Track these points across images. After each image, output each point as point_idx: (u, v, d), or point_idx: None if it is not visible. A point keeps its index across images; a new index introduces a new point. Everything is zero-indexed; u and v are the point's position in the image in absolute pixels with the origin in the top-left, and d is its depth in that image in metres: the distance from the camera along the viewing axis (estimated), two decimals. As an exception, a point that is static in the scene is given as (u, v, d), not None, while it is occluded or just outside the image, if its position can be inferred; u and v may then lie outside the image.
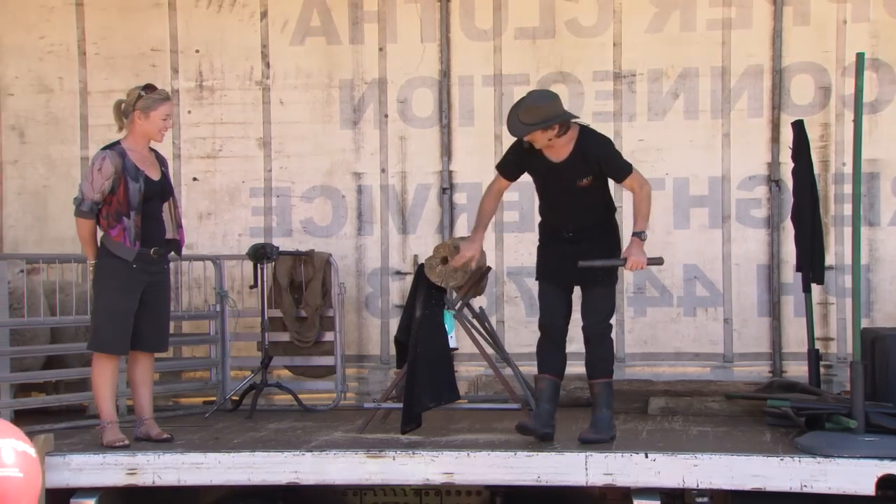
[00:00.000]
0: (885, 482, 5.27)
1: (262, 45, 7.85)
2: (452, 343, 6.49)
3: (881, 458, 5.30)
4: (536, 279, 5.98)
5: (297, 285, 7.57)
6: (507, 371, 6.67)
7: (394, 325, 7.26)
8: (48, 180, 8.00)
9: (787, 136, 7.19)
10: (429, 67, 7.74)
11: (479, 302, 7.07)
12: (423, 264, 6.41)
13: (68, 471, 5.63)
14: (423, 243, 7.60)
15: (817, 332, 7.09)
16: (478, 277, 6.47)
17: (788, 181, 7.18)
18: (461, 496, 6.75)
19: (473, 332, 6.49)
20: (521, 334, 7.51)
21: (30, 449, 2.45)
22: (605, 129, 7.21)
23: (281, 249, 7.37)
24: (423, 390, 6.11)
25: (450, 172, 7.73)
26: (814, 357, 6.87)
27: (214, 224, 7.91)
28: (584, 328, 5.83)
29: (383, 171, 7.80)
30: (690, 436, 6.11)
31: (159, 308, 6.00)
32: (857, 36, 7.33)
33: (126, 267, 5.80)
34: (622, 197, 6.77)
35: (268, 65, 7.86)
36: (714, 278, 7.52)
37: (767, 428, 6.25)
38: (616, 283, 5.90)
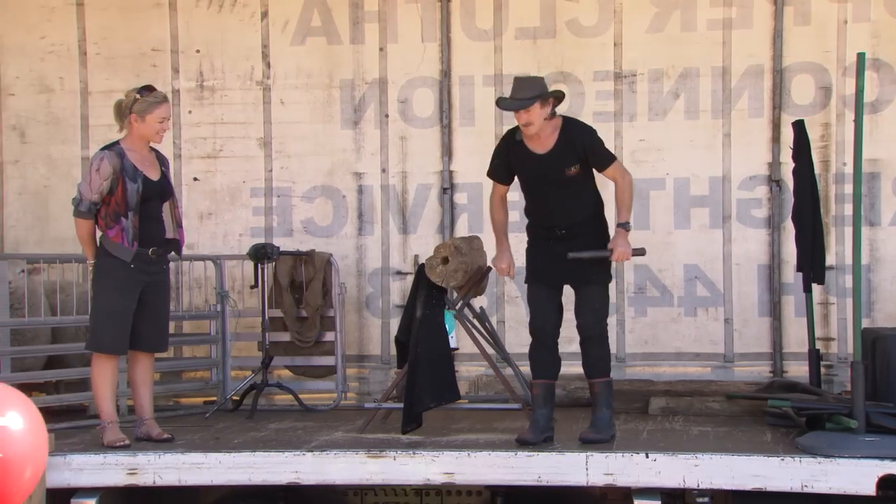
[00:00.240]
0: (886, 482, 5.27)
1: (262, 45, 7.86)
2: (453, 343, 6.49)
3: (882, 458, 5.30)
4: (526, 282, 5.95)
5: (297, 285, 7.57)
6: (508, 371, 6.68)
7: (394, 325, 7.26)
8: (49, 180, 8.01)
9: (787, 136, 7.19)
10: (429, 67, 7.74)
11: (479, 302, 7.07)
12: (423, 264, 6.41)
13: (69, 471, 5.63)
14: (424, 243, 7.60)
15: (818, 332, 7.09)
16: (478, 278, 6.47)
17: (789, 181, 7.18)
18: (462, 496, 6.75)
19: (474, 332, 6.49)
20: (522, 334, 7.48)
21: (11, 421, 2.43)
22: (605, 129, 7.23)
23: (281, 249, 7.38)
24: (423, 390, 6.12)
25: (450, 172, 7.73)
26: (814, 357, 6.87)
27: (215, 224, 7.92)
28: (581, 328, 5.81)
29: (384, 171, 7.80)
30: (691, 436, 6.12)
31: (159, 308, 6.00)
32: (857, 36, 7.33)
33: (124, 267, 5.80)
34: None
35: (268, 65, 7.87)
36: (715, 278, 7.52)
37: (768, 428, 6.25)
38: (610, 280, 5.88)
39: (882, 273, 7.38)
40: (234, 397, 7.26)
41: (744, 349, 7.49)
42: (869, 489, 5.25)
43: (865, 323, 6.83)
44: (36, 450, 2.47)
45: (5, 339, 6.50)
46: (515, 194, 6.70)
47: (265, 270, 7.29)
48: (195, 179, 7.94)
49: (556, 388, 5.98)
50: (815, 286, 6.97)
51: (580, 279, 5.77)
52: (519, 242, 5.98)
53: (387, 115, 7.78)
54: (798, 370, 7.20)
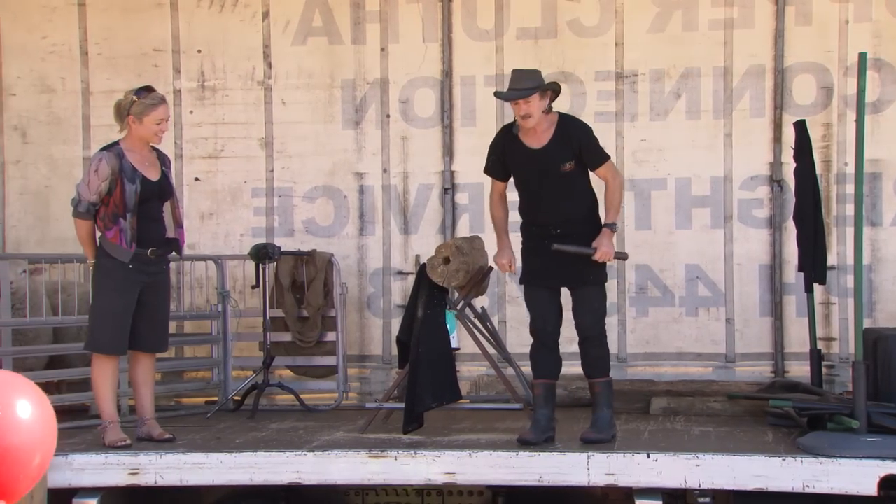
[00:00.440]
0: (888, 482, 5.27)
1: (263, 45, 7.86)
2: (454, 343, 6.49)
3: (883, 458, 5.29)
4: (521, 283, 5.94)
5: (298, 285, 7.57)
6: (509, 371, 6.68)
7: (395, 325, 7.26)
8: (50, 180, 8.01)
9: (789, 136, 7.19)
10: (431, 67, 7.74)
11: (480, 302, 7.07)
12: (424, 264, 6.41)
13: (70, 471, 5.63)
14: (425, 243, 7.60)
15: (819, 333, 7.08)
16: (479, 278, 6.47)
17: (790, 181, 7.18)
18: (463, 496, 6.75)
19: (475, 332, 6.49)
20: (523, 334, 7.47)
21: (21, 409, 2.44)
22: (607, 129, 7.24)
23: (283, 249, 7.38)
24: (424, 390, 6.12)
25: (451, 172, 7.73)
26: (816, 357, 6.86)
27: (216, 224, 7.92)
28: (580, 328, 5.79)
29: (385, 171, 7.80)
30: (692, 436, 6.11)
31: (158, 308, 6.00)
32: (859, 36, 7.32)
33: (122, 268, 5.79)
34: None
35: (270, 65, 7.87)
36: (716, 278, 7.52)
37: (769, 428, 6.25)
38: (606, 280, 5.87)
39: (883, 273, 7.38)
40: (236, 397, 7.26)
41: (745, 349, 7.49)
42: (870, 489, 5.25)
43: (867, 323, 6.82)
44: (45, 437, 2.50)
45: (7, 339, 6.50)
46: (513, 194, 6.69)
47: (266, 270, 7.29)
48: (196, 179, 7.94)
49: (557, 388, 5.98)
50: (816, 286, 6.97)
51: (576, 280, 5.76)
52: (519, 242, 5.98)
53: (388, 115, 7.78)
54: (799, 370, 7.20)
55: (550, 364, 5.82)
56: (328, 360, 7.52)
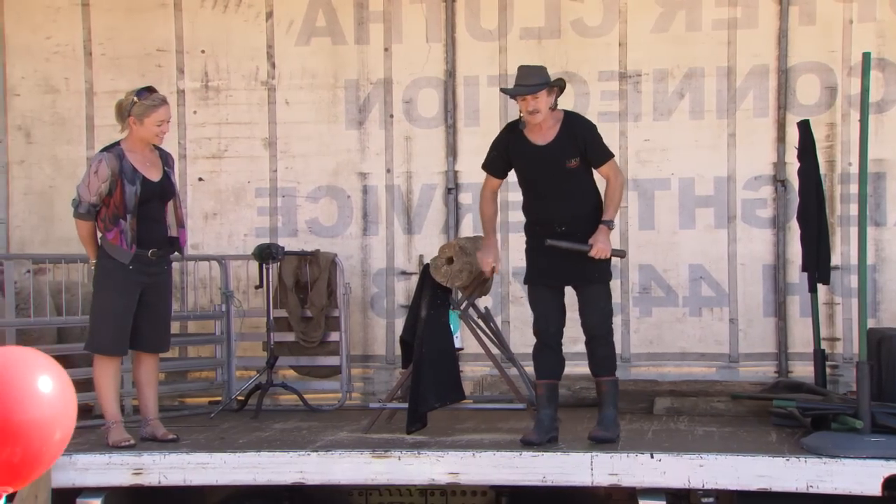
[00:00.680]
0: (892, 483, 5.26)
1: (267, 45, 7.86)
2: (458, 343, 6.49)
3: (887, 458, 5.29)
4: (525, 283, 5.93)
5: (302, 285, 7.57)
6: (513, 371, 6.68)
7: (399, 325, 7.26)
8: (54, 181, 8.02)
9: (792, 135, 7.18)
10: (434, 67, 7.74)
11: (484, 302, 7.07)
12: (428, 264, 6.41)
13: (74, 470, 5.64)
14: (429, 243, 7.60)
15: (823, 333, 7.08)
16: (483, 278, 6.46)
17: (794, 181, 7.17)
18: (466, 496, 6.74)
19: (479, 332, 6.49)
20: (527, 334, 7.46)
21: (42, 384, 2.47)
22: (610, 129, 7.23)
23: (286, 249, 7.38)
24: (428, 390, 6.12)
25: (455, 172, 7.74)
26: (820, 357, 6.86)
27: (220, 224, 7.93)
28: (587, 327, 5.79)
29: (389, 171, 7.80)
30: (696, 436, 6.11)
31: (160, 309, 6.00)
32: (863, 35, 7.32)
33: (123, 269, 5.79)
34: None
35: (273, 65, 7.87)
36: (719, 278, 7.51)
37: (773, 428, 6.24)
38: (611, 279, 5.86)
39: (887, 273, 7.37)
40: (239, 397, 7.26)
41: (749, 349, 7.48)
42: (874, 490, 5.24)
43: (871, 323, 6.80)
44: (65, 413, 2.53)
45: (11, 339, 6.51)
46: (517, 194, 6.70)
47: (270, 270, 7.29)
48: (200, 180, 7.94)
49: (560, 388, 5.98)
50: (820, 286, 6.96)
51: (581, 278, 5.75)
52: (525, 243, 5.96)
53: (391, 116, 7.79)
54: (803, 370, 7.19)
55: (553, 364, 5.82)
56: (332, 360, 7.52)
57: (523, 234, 5.98)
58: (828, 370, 6.99)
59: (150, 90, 5.91)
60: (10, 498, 2.67)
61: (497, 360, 6.55)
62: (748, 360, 7.48)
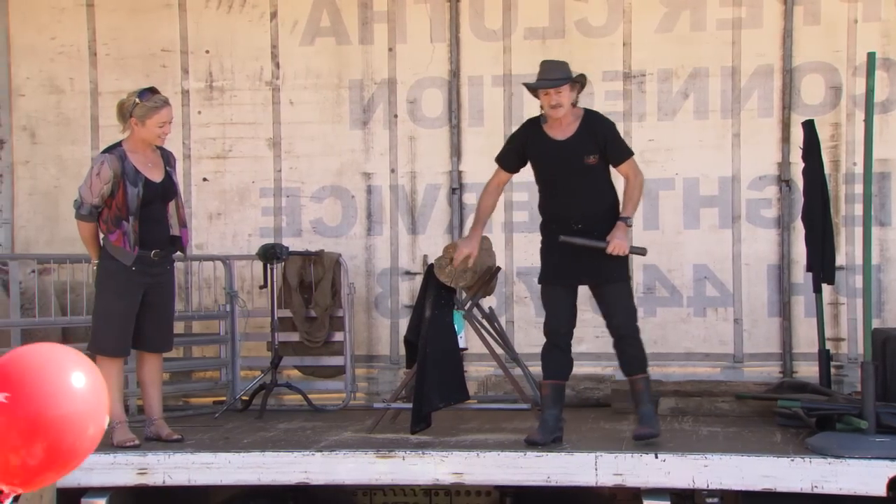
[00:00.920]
0: (896, 483, 5.26)
1: (271, 45, 7.87)
2: (462, 343, 6.49)
3: (892, 458, 5.28)
4: (540, 282, 5.90)
5: (306, 285, 7.58)
6: (517, 371, 6.67)
7: (403, 325, 7.26)
8: (59, 181, 8.03)
9: (797, 135, 7.17)
10: (438, 67, 7.74)
11: (488, 302, 7.06)
12: (432, 264, 6.41)
13: (79, 470, 5.52)
14: (433, 243, 7.60)
15: (828, 333, 7.07)
16: (487, 277, 6.47)
17: (799, 181, 7.16)
18: (471, 496, 6.74)
19: (483, 332, 6.49)
20: (531, 334, 7.50)
21: (76, 379, 2.58)
22: (614, 129, 7.22)
23: (291, 249, 7.38)
24: (432, 390, 6.12)
25: (459, 173, 7.73)
26: (824, 357, 6.85)
27: (224, 224, 7.93)
28: (613, 327, 5.76)
29: (393, 171, 7.80)
30: (700, 436, 6.10)
31: (163, 309, 6.00)
32: (868, 35, 7.30)
33: (126, 270, 5.79)
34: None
35: (277, 65, 7.88)
36: (724, 278, 7.50)
37: (778, 428, 6.23)
38: (630, 278, 5.84)
39: (892, 273, 7.36)
40: (244, 397, 7.27)
41: (753, 349, 7.47)
42: (879, 490, 5.24)
43: (876, 323, 6.80)
44: (97, 408, 2.66)
45: (16, 338, 6.52)
46: (525, 194, 6.71)
47: (274, 271, 7.30)
48: (204, 180, 7.95)
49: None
50: (825, 286, 6.95)
51: (599, 277, 5.70)
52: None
53: (396, 116, 7.79)
54: (808, 370, 7.18)
55: (562, 365, 5.80)
56: (336, 360, 7.52)
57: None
58: (832, 370, 6.98)
59: (152, 91, 5.89)
60: (16, 498, 2.70)
61: (501, 361, 6.55)
62: (753, 361, 7.47)
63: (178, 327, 7.00)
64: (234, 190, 7.93)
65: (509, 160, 5.92)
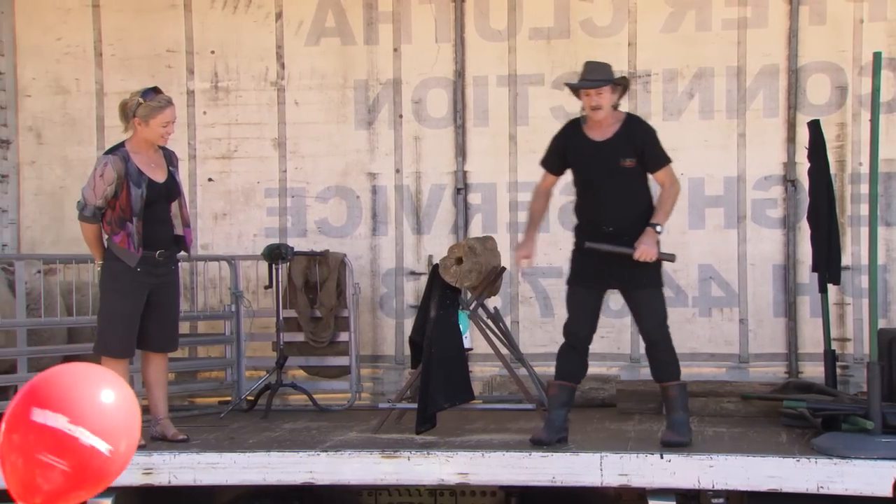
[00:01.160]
0: (902, 483, 5.25)
1: (276, 45, 7.87)
2: (467, 343, 6.49)
3: (898, 459, 5.27)
4: (567, 283, 5.82)
5: (311, 286, 7.58)
6: (522, 371, 6.67)
7: (408, 325, 7.26)
8: (65, 181, 8.04)
9: (803, 135, 7.16)
10: (443, 68, 7.74)
11: (493, 302, 7.06)
12: (437, 265, 6.41)
13: (85, 470, 5.64)
14: (438, 244, 7.60)
15: (834, 333, 7.06)
16: (492, 278, 6.46)
17: (804, 181, 7.14)
18: (476, 497, 6.74)
19: (488, 332, 6.49)
20: (536, 334, 7.50)
21: (105, 396, 2.65)
22: (620, 129, 7.21)
23: (296, 250, 7.39)
24: (437, 390, 6.12)
25: (464, 173, 7.73)
26: (830, 358, 6.84)
27: (229, 224, 7.94)
28: (643, 333, 5.76)
29: (398, 171, 7.81)
30: (706, 436, 6.09)
31: (167, 309, 6.00)
32: (873, 35, 7.29)
33: (129, 271, 5.79)
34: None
35: (283, 65, 7.88)
36: (729, 278, 7.49)
37: (783, 429, 6.22)
38: (663, 284, 5.76)
39: (898, 273, 7.35)
40: (249, 397, 7.27)
41: (759, 350, 7.46)
42: (885, 490, 5.23)
43: (882, 323, 6.78)
44: (129, 423, 2.71)
45: (22, 339, 6.53)
46: (529, 195, 6.68)
47: (279, 271, 7.30)
48: (210, 180, 7.96)
49: (571, 389, 5.95)
50: (830, 286, 6.93)
51: (629, 282, 5.66)
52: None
53: (401, 116, 7.79)
54: (814, 371, 7.17)
55: (576, 368, 5.77)
56: (341, 361, 7.52)
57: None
58: (838, 371, 6.97)
59: (155, 91, 5.88)
60: None
61: (506, 361, 6.55)
62: (758, 361, 7.46)
63: (184, 327, 7.00)
64: (240, 190, 7.94)
65: (552, 163, 5.89)
